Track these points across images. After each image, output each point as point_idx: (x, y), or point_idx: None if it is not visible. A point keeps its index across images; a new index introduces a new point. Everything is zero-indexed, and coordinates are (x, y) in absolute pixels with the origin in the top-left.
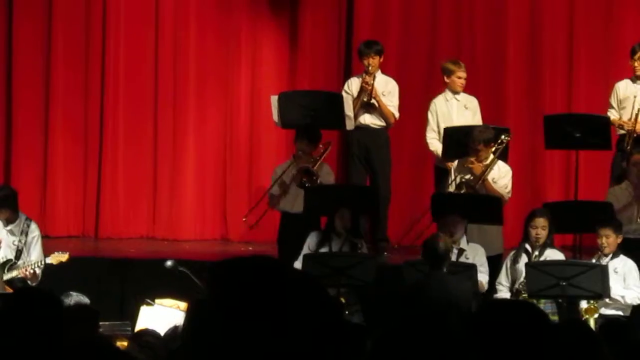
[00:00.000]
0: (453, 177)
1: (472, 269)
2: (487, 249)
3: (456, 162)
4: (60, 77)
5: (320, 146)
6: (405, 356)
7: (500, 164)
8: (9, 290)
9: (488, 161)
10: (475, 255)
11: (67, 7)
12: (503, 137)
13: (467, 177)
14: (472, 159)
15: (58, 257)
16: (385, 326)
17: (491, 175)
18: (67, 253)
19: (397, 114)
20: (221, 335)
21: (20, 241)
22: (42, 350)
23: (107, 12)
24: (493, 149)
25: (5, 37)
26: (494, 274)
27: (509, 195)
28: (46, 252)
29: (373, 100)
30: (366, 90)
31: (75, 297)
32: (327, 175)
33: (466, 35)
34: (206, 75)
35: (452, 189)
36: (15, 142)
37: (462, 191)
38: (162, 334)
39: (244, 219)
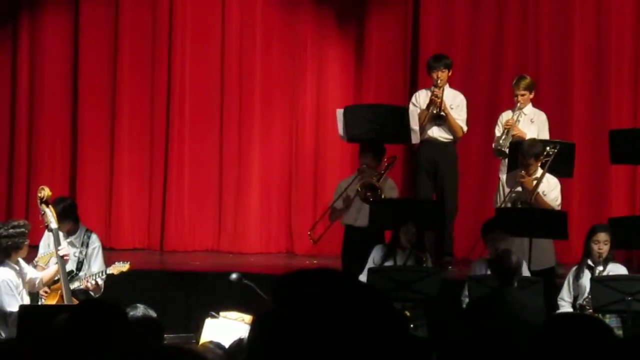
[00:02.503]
0: (503, 191)
1: (538, 283)
2: (538, 262)
3: (504, 176)
4: (127, 88)
5: (385, 160)
6: None
7: (548, 176)
8: (76, 301)
9: (538, 174)
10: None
11: (133, 18)
12: (549, 149)
13: (517, 190)
14: (523, 173)
15: (119, 267)
16: (450, 341)
17: (541, 189)
18: (128, 263)
19: (465, 128)
20: (286, 348)
21: (81, 253)
22: None
23: (173, 24)
24: (541, 163)
25: (72, 47)
26: (546, 288)
27: (559, 208)
28: (108, 263)
29: (442, 113)
30: (435, 102)
31: (143, 310)
32: (390, 189)
33: (531, 50)
34: (272, 88)
35: (501, 201)
36: (81, 154)
37: (517, 205)
38: (226, 346)
39: (308, 233)
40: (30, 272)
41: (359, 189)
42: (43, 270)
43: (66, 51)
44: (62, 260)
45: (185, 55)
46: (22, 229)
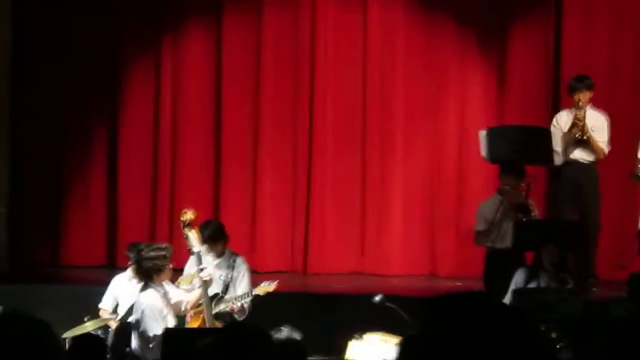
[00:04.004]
0: None
1: None
2: None
3: None
4: (269, 111)
5: (522, 184)
6: None
7: None
8: (218, 325)
9: None
10: None
11: (275, 43)
12: None
13: None
14: None
15: (265, 288)
16: None
17: None
18: (275, 282)
19: (606, 150)
20: None
21: (227, 275)
22: None
23: (315, 48)
24: None
25: (214, 70)
26: None
27: None
28: (254, 286)
29: (584, 137)
30: (578, 125)
31: (287, 332)
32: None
33: None
34: (414, 111)
35: None
36: (224, 178)
37: None
38: None
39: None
40: (175, 295)
41: (512, 210)
42: (185, 291)
43: (208, 74)
44: (205, 283)
45: (327, 79)
46: (163, 252)
